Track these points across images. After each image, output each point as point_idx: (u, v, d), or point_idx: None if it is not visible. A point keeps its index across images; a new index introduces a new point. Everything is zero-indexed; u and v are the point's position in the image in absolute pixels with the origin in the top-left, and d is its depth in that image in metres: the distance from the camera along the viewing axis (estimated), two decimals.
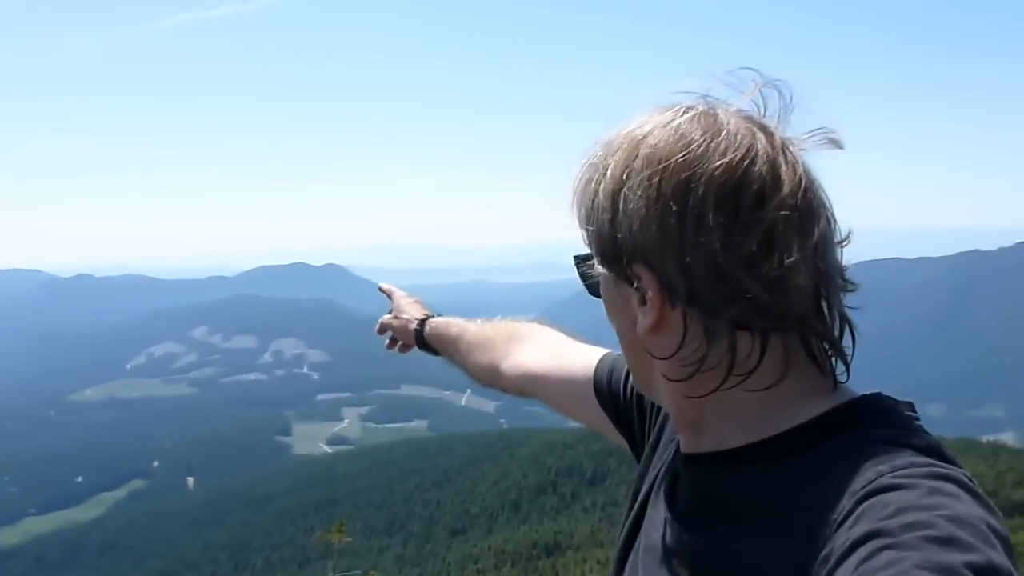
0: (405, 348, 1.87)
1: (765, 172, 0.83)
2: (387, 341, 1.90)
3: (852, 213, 0.88)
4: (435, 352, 1.79)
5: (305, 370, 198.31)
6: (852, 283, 0.88)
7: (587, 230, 0.93)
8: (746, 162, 0.83)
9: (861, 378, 0.90)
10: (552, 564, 47.67)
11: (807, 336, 0.87)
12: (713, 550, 0.89)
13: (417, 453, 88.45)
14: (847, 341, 0.88)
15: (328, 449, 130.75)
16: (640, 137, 0.88)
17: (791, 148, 0.86)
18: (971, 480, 0.75)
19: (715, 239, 0.81)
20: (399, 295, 1.92)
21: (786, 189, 0.82)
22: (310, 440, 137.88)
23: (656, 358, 0.91)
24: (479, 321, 1.72)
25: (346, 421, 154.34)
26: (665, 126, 0.87)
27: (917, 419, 0.85)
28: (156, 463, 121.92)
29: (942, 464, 0.76)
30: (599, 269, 0.94)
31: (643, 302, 0.88)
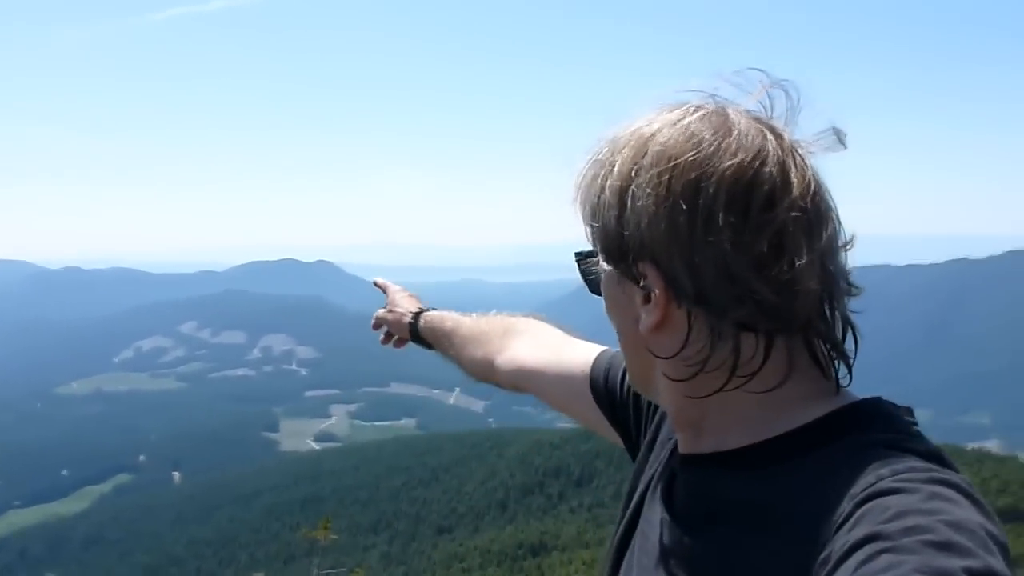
0: (400, 343, 1.83)
1: (775, 174, 0.83)
2: (381, 336, 1.87)
3: (842, 218, 0.89)
4: (429, 346, 1.76)
5: (294, 366, 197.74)
6: (856, 287, 0.88)
7: (592, 226, 0.92)
8: (757, 163, 0.82)
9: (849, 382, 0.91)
10: (538, 564, 47.70)
11: (811, 339, 0.87)
12: (711, 552, 0.88)
13: (405, 451, 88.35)
14: (850, 344, 0.88)
15: (316, 446, 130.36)
16: (649, 135, 0.87)
17: (799, 150, 0.86)
18: (971, 486, 0.75)
19: (725, 239, 0.81)
20: (394, 289, 1.90)
21: (796, 191, 0.82)
22: (298, 437, 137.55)
23: (658, 357, 0.90)
24: (474, 315, 1.70)
25: (334, 418, 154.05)
26: (675, 124, 0.87)
27: (916, 424, 0.86)
28: (142, 457, 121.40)
29: (942, 469, 0.76)
30: (603, 266, 0.93)
31: (647, 300, 0.88)
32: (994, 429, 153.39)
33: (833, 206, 0.87)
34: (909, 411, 0.87)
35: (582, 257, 1.00)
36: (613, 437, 1.32)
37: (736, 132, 0.84)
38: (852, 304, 0.88)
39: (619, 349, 1.01)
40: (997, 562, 0.65)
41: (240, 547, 70.31)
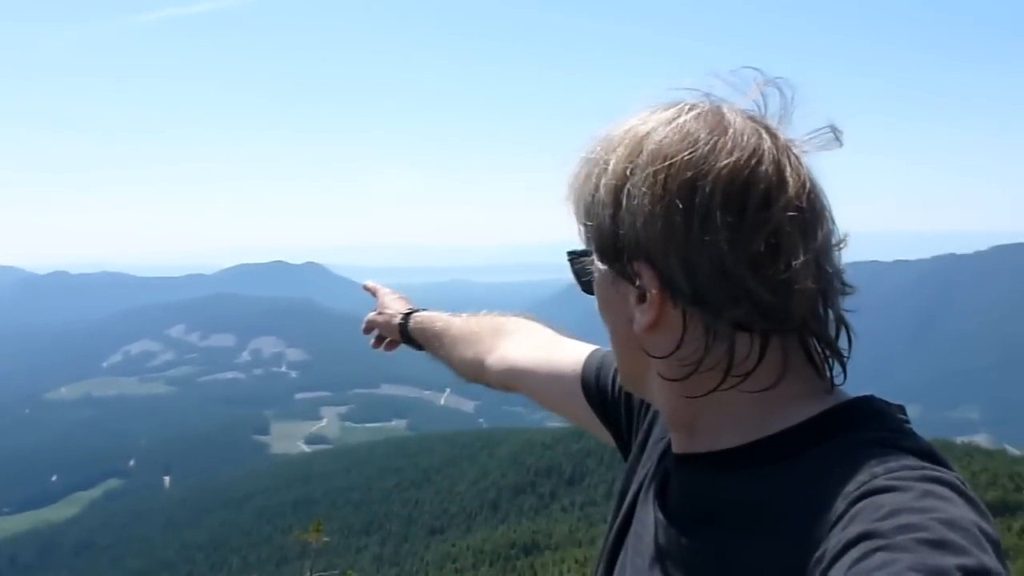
0: (392, 346, 1.83)
1: (771, 172, 0.83)
2: (372, 340, 1.86)
3: (834, 216, 0.89)
4: (419, 347, 1.75)
5: (284, 369, 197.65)
6: (850, 286, 0.88)
7: (585, 225, 0.92)
8: (753, 162, 0.83)
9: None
10: (531, 564, 47.77)
11: (806, 338, 0.87)
12: (706, 552, 0.88)
13: (396, 452, 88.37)
14: (843, 343, 0.89)
15: (306, 448, 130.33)
16: (644, 133, 0.87)
17: (793, 149, 0.87)
18: (964, 484, 0.75)
19: (721, 238, 0.81)
20: (383, 291, 1.89)
21: (791, 190, 0.83)
22: (288, 439, 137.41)
23: (653, 357, 0.90)
24: (464, 315, 1.69)
25: (325, 420, 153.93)
26: (670, 123, 0.87)
27: (908, 422, 0.86)
28: (132, 462, 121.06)
29: (935, 467, 0.76)
30: (597, 265, 0.93)
31: (642, 299, 0.87)
32: (983, 423, 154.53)
33: (827, 205, 0.87)
34: (901, 409, 0.88)
35: (575, 256, 0.99)
36: (605, 436, 1.32)
37: (731, 131, 0.84)
38: (841, 301, 0.89)
39: (610, 348, 1.01)
40: (991, 560, 0.65)
41: (232, 551, 70.18)
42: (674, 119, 0.87)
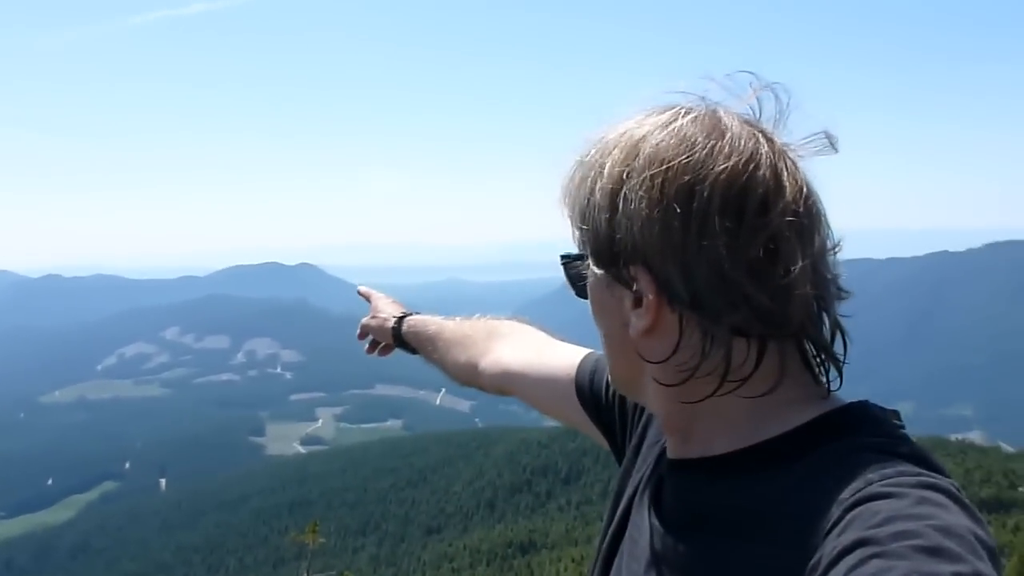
0: (386, 350, 1.83)
1: (768, 177, 0.83)
2: (367, 345, 1.88)
3: (829, 219, 0.89)
4: (413, 350, 1.75)
5: (278, 370, 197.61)
6: (846, 291, 0.88)
7: (581, 229, 0.91)
8: (751, 166, 0.82)
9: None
10: (527, 563, 47.88)
11: (803, 343, 0.87)
12: (701, 558, 0.88)
13: (392, 453, 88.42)
14: (838, 348, 0.89)
15: (302, 449, 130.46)
16: (640, 137, 0.87)
17: (789, 154, 0.87)
18: (959, 490, 0.75)
19: (720, 243, 0.81)
20: (377, 296, 1.90)
21: (789, 195, 0.82)
22: (284, 440, 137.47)
23: (649, 361, 0.90)
24: (458, 319, 1.69)
25: (320, 421, 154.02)
26: (666, 127, 0.86)
27: (903, 427, 0.86)
28: (128, 465, 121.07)
29: (931, 474, 0.76)
30: (592, 269, 0.92)
31: (638, 304, 0.87)
32: (976, 421, 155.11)
33: (823, 210, 0.87)
34: (896, 414, 0.88)
35: (568, 260, 0.98)
36: (599, 438, 1.32)
37: (728, 135, 0.84)
38: (837, 306, 0.89)
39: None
40: (986, 567, 0.65)
41: (228, 552, 70.19)
42: (670, 123, 0.86)
